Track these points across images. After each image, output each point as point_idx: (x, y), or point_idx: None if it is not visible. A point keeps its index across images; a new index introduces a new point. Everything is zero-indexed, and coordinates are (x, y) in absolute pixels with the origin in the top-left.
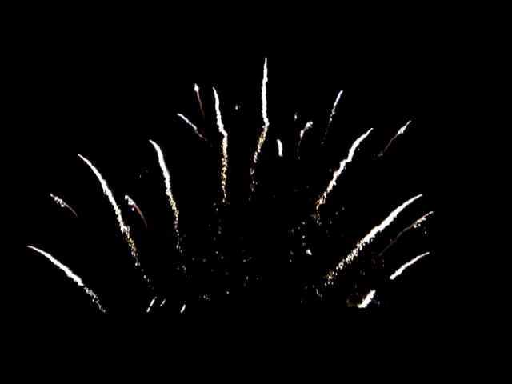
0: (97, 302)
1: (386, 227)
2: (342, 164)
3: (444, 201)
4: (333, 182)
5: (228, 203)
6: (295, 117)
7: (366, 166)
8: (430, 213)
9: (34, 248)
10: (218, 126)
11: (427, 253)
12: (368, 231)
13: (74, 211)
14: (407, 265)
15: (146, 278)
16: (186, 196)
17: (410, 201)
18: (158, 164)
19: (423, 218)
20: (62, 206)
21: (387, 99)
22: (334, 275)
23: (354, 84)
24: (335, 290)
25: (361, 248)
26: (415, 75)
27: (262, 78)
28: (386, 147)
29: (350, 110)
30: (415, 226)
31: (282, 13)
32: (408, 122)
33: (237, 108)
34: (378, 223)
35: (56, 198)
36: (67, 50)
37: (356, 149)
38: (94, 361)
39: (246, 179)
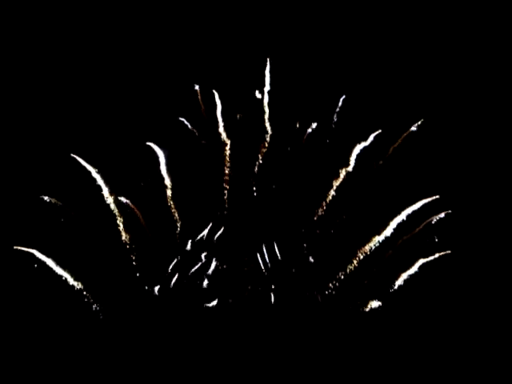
0: (95, 306)
1: (389, 233)
2: (344, 170)
3: (448, 205)
4: (335, 188)
5: (229, 210)
6: (297, 125)
7: (368, 173)
8: (449, 212)
9: (36, 252)
10: (220, 134)
11: (448, 251)
12: (371, 238)
13: (71, 212)
14: (408, 273)
15: (148, 287)
16: (187, 203)
17: (414, 206)
18: (159, 168)
19: (425, 224)
20: (61, 209)
21: (388, 105)
22: (336, 283)
23: (358, 87)
24: (338, 296)
25: (363, 255)
26: (419, 74)
27: (264, 81)
28: (389, 151)
29: (353, 115)
30: (431, 223)
31: (283, 17)
32: (418, 123)
33: (238, 117)
34: (380, 231)
35: (49, 199)
36: (67, 51)
37: (358, 155)
38: (89, 366)
39: (248, 187)
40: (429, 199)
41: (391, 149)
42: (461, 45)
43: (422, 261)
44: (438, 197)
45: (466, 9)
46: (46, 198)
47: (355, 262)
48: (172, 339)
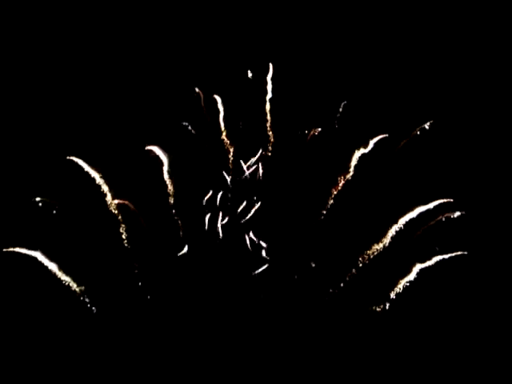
0: (95, 310)
1: (388, 242)
2: (345, 176)
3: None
4: (336, 194)
5: (231, 216)
6: (299, 132)
7: (369, 178)
8: (463, 213)
9: (39, 255)
10: (223, 140)
11: (465, 252)
12: (371, 246)
13: (74, 216)
14: (407, 279)
15: (148, 295)
16: (190, 209)
17: (412, 213)
18: (162, 174)
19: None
20: (64, 213)
21: (389, 111)
22: (338, 288)
23: (359, 94)
24: (340, 302)
25: (365, 262)
26: (421, 79)
27: (267, 88)
28: (397, 148)
29: (354, 120)
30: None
31: (285, 23)
32: (427, 124)
33: (241, 125)
34: (380, 239)
35: (52, 203)
36: (72, 56)
37: (359, 160)
38: (91, 370)
39: (250, 194)
40: (427, 206)
41: (401, 144)
42: (462, 49)
43: (419, 266)
44: (436, 204)
45: (466, 12)
46: (48, 201)
47: (356, 267)
48: (173, 345)
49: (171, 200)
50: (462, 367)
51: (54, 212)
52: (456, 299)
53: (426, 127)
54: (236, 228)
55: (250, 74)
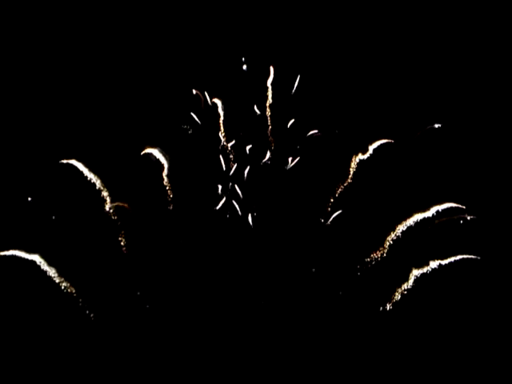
0: (92, 316)
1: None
2: (345, 182)
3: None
4: (337, 198)
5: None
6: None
7: (369, 183)
8: (474, 217)
9: (37, 258)
10: (224, 145)
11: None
12: (374, 250)
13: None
14: (406, 286)
15: (147, 299)
16: (190, 215)
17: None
18: (162, 178)
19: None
20: (62, 217)
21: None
22: (341, 292)
23: (360, 98)
24: (340, 307)
25: (364, 268)
26: (423, 82)
27: (268, 90)
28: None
29: (355, 125)
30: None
31: (286, 26)
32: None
33: (241, 134)
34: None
35: (50, 207)
36: (71, 56)
37: (359, 166)
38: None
39: (250, 199)
40: (424, 214)
41: (400, 149)
42: (462, 53)
43: (416, 272)
44: (434, 213)
45: (466, 17)
46: (47, 204)
47: (358, 271)
48: (172, 350)
49: (171, 204)
50: (462, 372)
51: (54, 217)
52: (456, 303)
53: (426, 131)
54: (236, 232)
55: (244, 67)
